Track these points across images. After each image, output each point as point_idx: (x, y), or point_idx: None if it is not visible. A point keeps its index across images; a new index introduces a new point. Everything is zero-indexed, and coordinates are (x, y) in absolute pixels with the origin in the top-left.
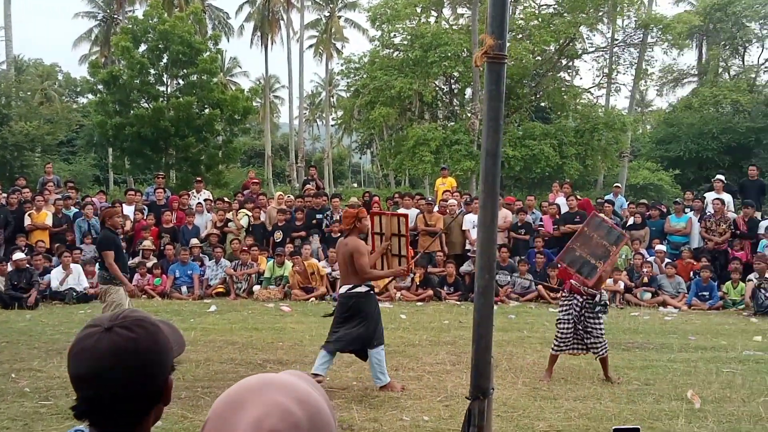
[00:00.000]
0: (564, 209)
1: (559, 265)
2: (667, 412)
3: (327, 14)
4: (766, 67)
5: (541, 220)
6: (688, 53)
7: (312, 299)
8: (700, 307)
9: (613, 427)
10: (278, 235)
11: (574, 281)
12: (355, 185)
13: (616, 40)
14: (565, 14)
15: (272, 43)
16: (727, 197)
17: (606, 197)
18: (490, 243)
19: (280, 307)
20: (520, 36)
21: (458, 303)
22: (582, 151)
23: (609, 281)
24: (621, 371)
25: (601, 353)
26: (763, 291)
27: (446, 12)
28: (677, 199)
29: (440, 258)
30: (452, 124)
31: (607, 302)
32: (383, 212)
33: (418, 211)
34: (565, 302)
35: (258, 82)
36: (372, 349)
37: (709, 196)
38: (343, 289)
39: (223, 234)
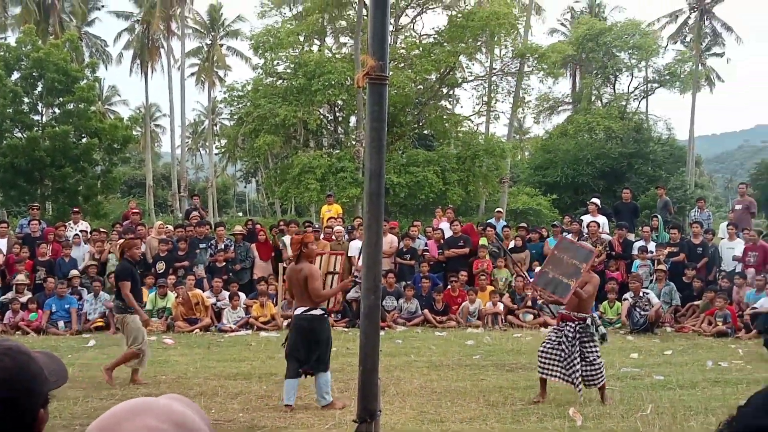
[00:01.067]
0: (448, 234)
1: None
2: (550, 430)
3: (209, 42)
4: (635, 95)
5: (426, 245)
6: (563, 82)
7: (196, 330)
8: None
9: None
10: (160, 266)
11: (563, 309)
12: (240, 214)
13: (494, 69)
14: (445, 44)
15: (152, 71)
16: (602, 219)
17: (488, 222)
18: (376, 263)
19: (163, 339)
20: (402, 65)
21: (346, 329)
22: (464, 177)
23: (489, 304)
24: (505, 392)
25: (598, 383)
26: (638, 309)
27: (329, 41)
28: (555, 222)
29: None
30: (337, 151)
31: (604, 330)
32: (322, 252)
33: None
34: (556, 329)
35: (138, 111)
36: (324, 373)
37: (585, 218)
38: (299, 311)
39: (102, 266)
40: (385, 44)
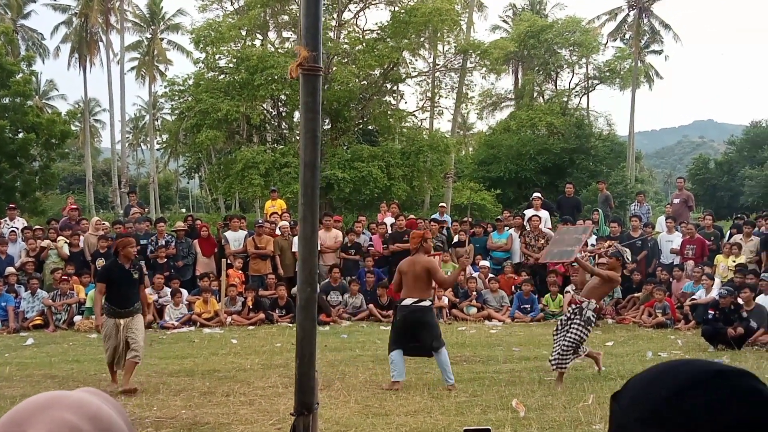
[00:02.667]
0: (393, 229)
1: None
2: (494, 421)
3: (149, 36)
4: (576, 92)
5: (370, 240)
6: (505, 78)
7: None
8: (523, 320)
9: (464, 428)
10: (100, 263)
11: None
12: (183, 210)
13: (437, 65)
14: (388, 39)
15: (91, 65)
16: (544, 214)
17: (432, 217)
18: (312, 256)
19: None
20: (346, 60)
21: (290, 325)
22: (409, 173)
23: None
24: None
25: (562, 367)
26: None
27: (271, 35)
28: (499, 217)
29: (271, 281)
30: (281, 147)
31: (592, 317)
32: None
33: (246, 233)
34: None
35: (77, 106)
36: (441, 348)
37: (528, 213)
38: (407, 302)
39: (40, 263)
40: (318, 35)
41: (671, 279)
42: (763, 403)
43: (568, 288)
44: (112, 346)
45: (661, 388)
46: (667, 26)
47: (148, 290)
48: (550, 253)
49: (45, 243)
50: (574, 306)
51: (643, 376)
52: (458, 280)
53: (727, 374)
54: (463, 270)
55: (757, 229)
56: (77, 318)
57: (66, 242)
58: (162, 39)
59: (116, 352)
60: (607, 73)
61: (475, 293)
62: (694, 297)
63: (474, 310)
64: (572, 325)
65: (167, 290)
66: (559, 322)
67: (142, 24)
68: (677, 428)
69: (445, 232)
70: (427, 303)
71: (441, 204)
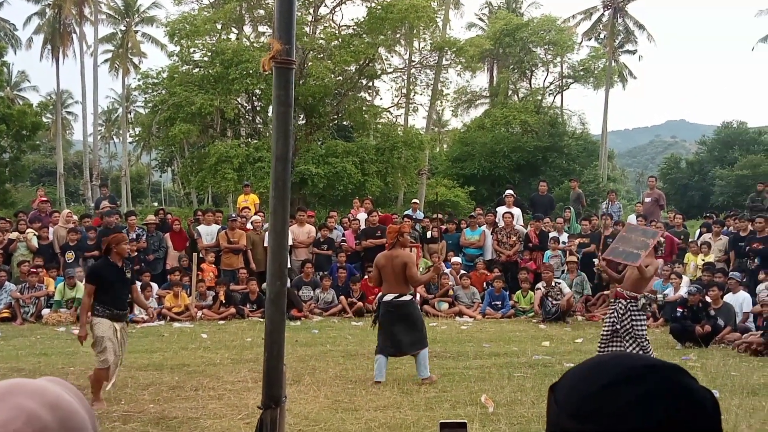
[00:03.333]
0: (366, 225)
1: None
2: (463, 417)
3: (123, 28)
4: (551, 90)
5: (343, 235)
6: (480, 76)
7: None
8: (494, 316)
9: (440, 421)
10: (70, 256)
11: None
12: (156, 204)
13: (413, 61)
14: (364, 35)
15: (64, 57)
16: (516, 211)
17: (405, 213)
18: (281, 249)
19: (72, 330)
20: (321, 56)
21: (261, 320)
22: (383, 169)
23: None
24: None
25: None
26: (550, 299)
27: (247, 29)
28: (472, 214)
29: (243, 275)
30: (255, 141)
31: (647, 304)
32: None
33: (220, 227)
34: (610, 310)
35: (49, 97)
36: (423, 349)
37: (500, 210)
38: (388, 297)
39: (8, 255)
40: (291, 28)
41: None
42: (690, 398)
43: (539, 285)
44: (113, 349)
45: (591, 383)
46: (641, 26)
47: None
48: (615, 251)
49: (13, 235)
50: (623, 301)
51: (576, 370)
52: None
53: (657, 369)
54: (437, 273)
55: (726, 228)
56: (45, 311)
57: (35, 235)
58: (136, 31)
59: (116, 357)
60: (581, 72)
61: (445, 289)
62: (662, 295)
63: (445, 305)
64: (635, 321)
65: (137, 284)
66: (612, 317)
67: (117, 16)
68: (606, 423)
69: (418, 228)
70: (407, 297)
71: (414, 200)
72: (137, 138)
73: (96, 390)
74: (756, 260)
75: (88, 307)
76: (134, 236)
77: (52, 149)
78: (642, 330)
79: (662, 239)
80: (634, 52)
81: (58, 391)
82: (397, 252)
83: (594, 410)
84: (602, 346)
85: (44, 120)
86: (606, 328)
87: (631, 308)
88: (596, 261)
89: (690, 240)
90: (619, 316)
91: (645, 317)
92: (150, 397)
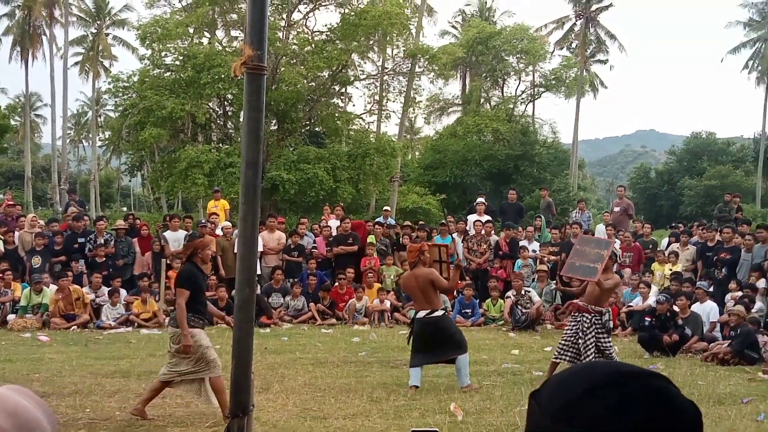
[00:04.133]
0: (338, 231)
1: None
2: (432, 425)
3: (94, 31)
4: (522, 99)
5: (314, 242)
6: (453, 83)
7: (74, 327)
8: (464, 324)
9: (412, 429)
10: (36, 260)
11: (580, 302)
12: (125, 209)
13: (386, 68)
14: (338, 41)
15: (34, 59)
16: (488, 219)
17: (377, 220)
18: (251, 256)
19: (38, 336)
20: (294, 61)
21: (230, 327)
22: (355, 176)
23: (376, 301)
24: (389, 388)
25: None
26: (520, 307)
27: (219, 34)
28: (443, 221)
29: (212, 282)
30: (226, 146)
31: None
32: (426, 243)
33: (189, 233)
34: (573, 321)
35: (18, 100)
36: (462, 356)
37: (471, 218)
38: (420, 314)
39: None
40: (263, 34)
41: None
42: (669, 405)
43: (509, 293)
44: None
45: (573, 387)
46: (612, 36)
47: (85, 289)
48: (572, 267)
49: None
50: (588, 315)
51: (560, 376)
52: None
53: (638, 375)
54: (460, 269)
55: (695, 238)
56: (11, 317)
57: (1, 239)
58: (107, 34)
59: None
60: (553, 81)
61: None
62: (630, 304)
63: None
64: (600, 335)
65: (105, 289)
66: (575, 327)
67: (88, 18)
68: (586, 426)
69: (393, 235)
70: (439, 313)
71: (385, 208)
72: (107, 142)
73: (224, 405)
74: (723, 270)
75: (186, 314)
76: (102, 241)
77: (20, 152)
78: (607, 343)
79: (617, 249)
80: (605, 62)
81: (17, 399)
82: (420, 270)
83: (576, 413)
84: (560, 353)
85: (12, 123)
86: (566, 339)
87: (595, 322)
88: (552, 284)
89: (658, 249)
90: (584, 330)
91: (609, 334)
92: (117, 404)
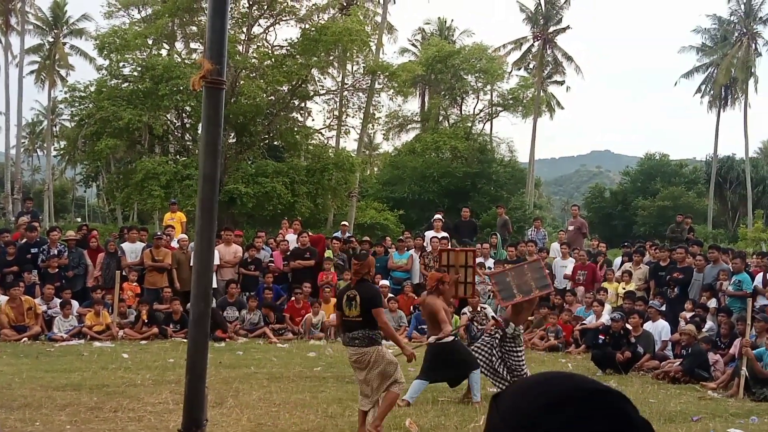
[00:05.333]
0: (294, 245)
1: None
2: None
3: (51, 39)
4: (480, 117)
5: (271, 256)
6: (412, 101)
7: (24, 339)
8: (420, 340)
9: None
10: None
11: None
12: (79, 219)
13: (346, 84)
14: (298, 56)
15: None
16: (444, 236)
17: (334, 235)
18: (207, 270)
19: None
20: (254, 75)
21: (185, 340)
22: (313, 190)
23: (332, 316)
24: (344, 403)
25: None
26: (475, 324)
27: (179, 45)
28: (401, 237)
29: (167, 294)
30: (184, 158)
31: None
32: (452, 249)
33: (144, 245)
34: (491, 334)
35: None
36: (474, 371)
37: (428, 234)
38: (431, 339)
39: None
40: (223, 49)
41: (564, 304)
42: (626, 421)
43: (465, 310)
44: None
45: (534, 400)
46: (569, 58)
47: (37, 300)
48: (502, 278)
49: None
50: (502, 331)
51: (522, 384)
52: None
53: (600, 394)
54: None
55: (647, 257)
56: None
57: None
58: (65, 43)
59: None
60: (511, 101)
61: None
62: (584, 322)
63: None
64: (507, 351)
65: (57, 301)
66: (492, 339)
67: (45, 27)
68: None
69: (350, 250)
70: (448, 339)
71: (343, 222)
72: (62, 152)
73: (383, 416)
74: (676, 289)
75: (390, 329)
76: (56, 252)
77: None
78: (519, 360)
79: (549, 293)
80: (562, 83)
81: None
82: (431, 299)
83: (534, 427)
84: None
85: None
86: (482, 345)
87: (506, 339)
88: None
89: (610, 268)
90: (498, 344)
91: (521, 348)
92: (67, 418)
